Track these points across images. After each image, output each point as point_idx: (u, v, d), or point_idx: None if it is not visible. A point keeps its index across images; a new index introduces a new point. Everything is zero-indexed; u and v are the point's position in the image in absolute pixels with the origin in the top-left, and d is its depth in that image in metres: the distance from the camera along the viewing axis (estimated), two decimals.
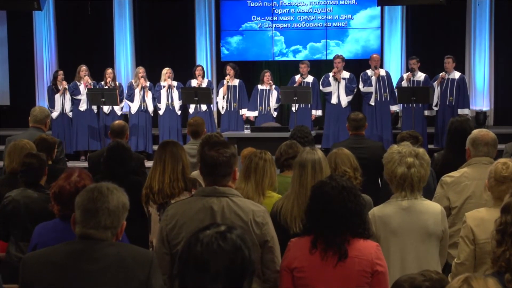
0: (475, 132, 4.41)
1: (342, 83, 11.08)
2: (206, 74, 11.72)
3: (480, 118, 11.90)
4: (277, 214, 3.66)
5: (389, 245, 3.44)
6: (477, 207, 4.05)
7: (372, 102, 11.09)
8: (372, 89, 11.06)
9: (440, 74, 10.98)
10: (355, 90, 11.17)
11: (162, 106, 11.26)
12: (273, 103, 11.17)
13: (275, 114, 11.25)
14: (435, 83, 10.96)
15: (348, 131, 6.22)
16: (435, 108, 11.02)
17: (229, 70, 11.25)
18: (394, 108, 11.15)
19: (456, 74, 11.00)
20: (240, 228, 3.04)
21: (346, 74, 11.17)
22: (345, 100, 11.09)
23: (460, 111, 10.83)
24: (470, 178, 4.27)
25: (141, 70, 11.24)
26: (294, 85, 11.07)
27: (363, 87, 11.12)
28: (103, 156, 5.13)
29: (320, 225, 2.89)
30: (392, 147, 3.59)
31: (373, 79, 11.05)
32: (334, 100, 11.12)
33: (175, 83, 11.25)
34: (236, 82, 11.32)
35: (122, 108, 11.43)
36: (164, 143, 4.55)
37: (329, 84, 11.14)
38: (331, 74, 11.16)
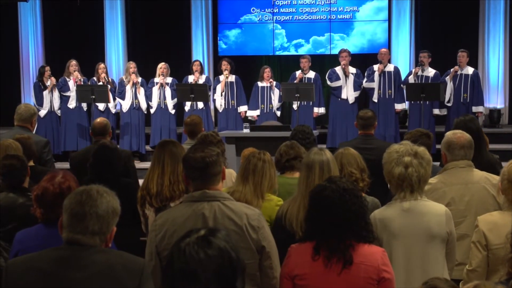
0: (449, 135, 4.34)
1: (351, 78, 11.06)
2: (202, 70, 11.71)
3: (494, 116, 11.88)
4: (282, 218, 3.65)
5: (392, 249, 3.43)
6: (457, 214, 4.05)
7: (375, 99, 11.07)
8: (374, 85, 11.03)
9: (452, 68, 10.91)
10: (362, 86, 11.16)
11: (154, 104, 11.26)
12: (275, 102, 11.14)
13: (278, 113, 11.23)
14: (447, 78, 10.90)
15: (357, 129, 6.22)
16: (448, 105, 10.97)
17: (226, 65, 11.22)
18: (400, 106, 11.07)
19: (470, 70, 10.95)
20: (234, 233, 3.05)
21: (353, 70, 11.15)
22: (352, 95, 11.07)
23: (474, 109, 10.82)
24: (448, 184, 4.23)
25: (132, 65, 11.24)
26: (295, 81, 11.05)
27: (366, 82, 11.11)
28: (89, 161, 4.99)
29: (323, 231, 2.88)
30: (391, 147, 3.60)
31: (376, 74, 11.04)
32: (344, 95, 11.09)
33: (169, 80, 11.24)
34: (232, 78, 11.32)
35: (116, 105, 11.43)
36: (163, 143, 4.49)
37: (338, 78, 11.10)
38: (337, 68, 11.11)
